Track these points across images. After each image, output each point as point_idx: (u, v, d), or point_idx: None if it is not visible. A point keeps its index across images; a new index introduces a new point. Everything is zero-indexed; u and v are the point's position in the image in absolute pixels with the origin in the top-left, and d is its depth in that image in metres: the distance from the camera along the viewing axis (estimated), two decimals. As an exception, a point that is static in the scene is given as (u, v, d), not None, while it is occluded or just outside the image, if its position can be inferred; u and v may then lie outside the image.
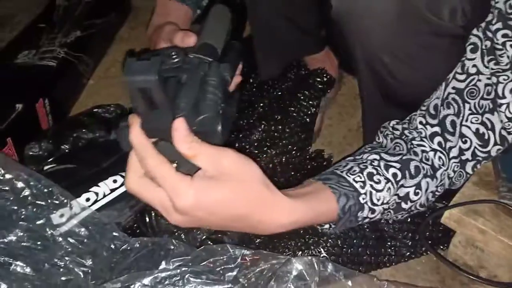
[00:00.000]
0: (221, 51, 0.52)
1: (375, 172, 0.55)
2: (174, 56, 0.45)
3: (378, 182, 0.55)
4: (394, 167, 0.56)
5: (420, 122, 0.60)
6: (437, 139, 0.58)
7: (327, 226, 0.57)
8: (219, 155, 0.45)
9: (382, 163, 0.56)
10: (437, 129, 0.58)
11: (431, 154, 0.58)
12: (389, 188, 0.55)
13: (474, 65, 0.56)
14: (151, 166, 0.44)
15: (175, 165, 0.45)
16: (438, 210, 0.66)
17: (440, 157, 0.58)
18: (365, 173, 0.55)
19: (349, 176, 0.54)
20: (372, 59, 0.67)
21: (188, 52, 0.50)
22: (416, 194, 0.57)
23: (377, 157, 0.57)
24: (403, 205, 0.57)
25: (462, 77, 0.58)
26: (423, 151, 0.58)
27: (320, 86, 0.91)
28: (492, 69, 0.54)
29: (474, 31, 0.58)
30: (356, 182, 0.54)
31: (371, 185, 0.55)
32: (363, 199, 0.54)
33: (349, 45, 0.68)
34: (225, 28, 0.56)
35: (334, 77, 0.95)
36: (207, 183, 0.45)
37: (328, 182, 0.54)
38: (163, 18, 0.72)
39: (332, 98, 1.01)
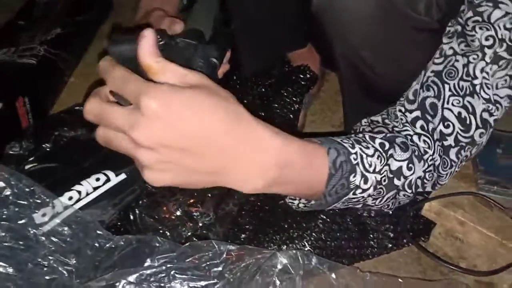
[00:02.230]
0: (209, 38, 0.50)
1: (361, 140, 0.52)
2: (159, 38, 0.43)
3: (367, 148, 0.51)
4: (380, 138, 0.53)
5: (400, 111, 0.58)
6: (419, 122, 0.56)
7: (313, 202, 0.53)
8: (188, 72, 0.40)
9: (366, 135, 0.53)
10: (417, 113, 0.57)
11: (415, 138, 0.56)
12: (379, 156, 0.52)
13: (451, 47, 0.56)
14: (118, 75, 0.39)
15: None
16: (419, 203, 0.68)
17: (425, 141, 0.56)
18: (351, 139, 0.52)
19: (335, 138, 0.51)
20: (352, 54, 0.68)
21: (175, 37, 0.48)
22: (409, 169, 0.54)
23: (359, 134, 0.54)
24: (395, 181, 0.54)
25: (440, 60, 0.57)
26: (407, 136, 0.56)
27: (303, 82, 0.92)
28: (462, 50, 0.55)
29: (450, 23, 0.59)
30: (344, 142, 0.51)
31: (361, 148, 0.51)
32: (354, 159, 0.50)
33: (328, 40, 0.68)
34: (213, 14, 0.55)
35: (316, 73, 0.96)
36: (180, 86, 0.39)
37: (314, 139, 0.50)
38: (150, 2, 0.70)
39: (315, 94, 1.01)
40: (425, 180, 0.56)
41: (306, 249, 0.67)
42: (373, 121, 0.61)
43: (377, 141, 0.53)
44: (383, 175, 0.52)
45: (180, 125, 0.38)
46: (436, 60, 0.58)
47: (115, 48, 0.41)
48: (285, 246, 0.68)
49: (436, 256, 0.65)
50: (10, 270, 0.51)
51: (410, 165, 0.54)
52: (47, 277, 0.53)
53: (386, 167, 0.53)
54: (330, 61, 0.99)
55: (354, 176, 0.50)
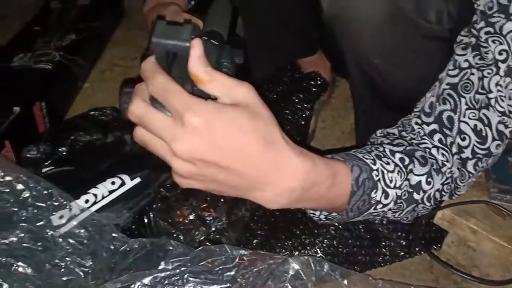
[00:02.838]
0: (225, 42, 0.51)
1: (381, 155, 0.53)
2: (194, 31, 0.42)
3: (388, 164, 0.53)
4: (400, 152, 0.54)
5: (416, 123, 0.59)
6: (437, 136, 0.57)
7: (335, 214, 0.54)
8: (236, 84, 0.41)
9: (386, 149, 0.54)
10: (435, 126, 0.57)
11: (434, 151, 0.57)
12: (399, 172, 0.53)
13: (466, 60, 0.57)
14: (161, 83, 0.40)
15: None
16: (431, 211, 0.68)
17: (443, 154, 0.56)
18: (372, 154, 0.53)
19: (357, 154, 0.52)
20: (363, 61, 0.68)
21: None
22: (428, 183, 0.55)
23: (379, 147, 0.55)
24: (415, 196, 0.55)
25: (455, 72, 0.58)
26: (425, 148, 0.57)
27: (314, 89, 0.92)
28: (476, 63, 0.55)
29: (462, 32, 0.59)
30: (366, 158, 0.52)
31: (381, 164, 0.52)
32: (376, 175, 0.51)
33: (340, 48, 0.69)
34: (228, 19, 0.56)
35: (327, 80, 0.97)
36: (223, 105, 0.41)
37: (336, 156, 0.51)
38: None
39: (326, 101, 1.02)
40: (443, 193, 0.57)
41: (318, 255, 0.67)
42: (389, 133, 0.61)
43: (397, 155, 0.54)
44: (403, 190, 0.54)
45: (220, 144, 0.40)
46: (451, 72, 0.58)
47: (159, 40, 0.40)
48: (296, 252, 0.68)
49: (449, 265, 0.65)
50: (29, 270, 0.52)
51: (429, 179, 0.55)
52: (64, 278, 0.53)
53: (406, 182, 0.54)
54: (341, 68, 1.00)
55: (376, 192, 0.52)
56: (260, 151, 0.42)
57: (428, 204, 0.57)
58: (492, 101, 0.54)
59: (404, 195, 0.54)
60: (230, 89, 0.41)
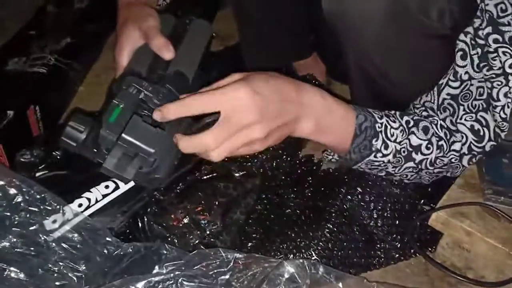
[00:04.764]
0: (193, 77, 0.58)
1: (390, 115, 0.62)
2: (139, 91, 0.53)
3: (394, 122, 0.61)
4: (408, 117, 0.62)
5: (421, 111, 0.65)
6: (444, 130, 0.63)
7: (343, 157, 0.62)
8: (220, 85, 0.53)
9: (397, 113, 0.62)
10: (443, 123, 0.63)
11: (439, 126, 0.63)
12: (402, 130, 0.61)
13: (466, 72, 0.61)
14: (200, 100, 0.51)
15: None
16: (426, 213, 0.68)
17: (444, 141, 0.63)
18: (383, 113, 0.61)
19: (369, 109, 0.61)
20: (363, 59, 0.68)
21: (161, 75, 0.55)
22: (427, 148, 0.61)
23: (392, 111, 0.63)
24: (414, 155, 0.61)
25: (456, 84, 0.62)
26: (432, 121, 0.63)
27: (309, 92, 0.92)
28: (485, 75, 0.57)
29: (462, 37, 0.59)
30: (375, 113, 0.61)
31: (387, 120, 0.60)
32: (379, 127, 0.59)
33: (341, 47, 0.69)
34: (202, 49, 0.59)
35: (322, 82, 0.97)
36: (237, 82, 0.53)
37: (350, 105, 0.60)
38: None
39: (321, 103, 1.02)
40: (438, 162, 0.64)
41: (313, 258, 0.67)
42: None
43: (405, 118, 0.62)
44: (402, 146, 0.61)
45: (266, 94, 0.52)
46: (452, 84, 0.62)
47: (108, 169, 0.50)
48: (291, 255, 0.68)
49: (444, 267, 0.65)
50: (22, 275, 0.52)
51: (429, 145, 0.62)
52: (57, 283, 0.53)
53: (406, 141, 0.61)
54: (336, 71, 1.00)
55: (376, 141, 0.59)
56: (292, 88, 0.55)
57: (431, 168, 0.63)
58: (498, 109, 0.58)
59: (404, 151, 0.61)
60: (223, 90, 0.51)
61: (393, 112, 0.63)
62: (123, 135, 0.49)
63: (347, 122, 0.59)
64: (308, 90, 0.56)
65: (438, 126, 0.63)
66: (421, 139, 0.61)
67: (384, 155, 0.61)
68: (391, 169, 0.63)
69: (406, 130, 0.61)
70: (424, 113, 0.65)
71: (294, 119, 0.55)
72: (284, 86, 0.55)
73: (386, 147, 0.60)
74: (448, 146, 0.63)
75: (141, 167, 0.50)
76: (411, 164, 0.62)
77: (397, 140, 0.60)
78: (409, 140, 0.61)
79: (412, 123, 0.62)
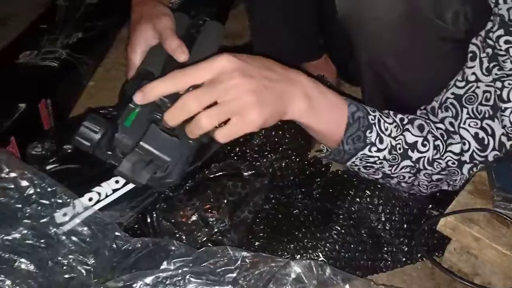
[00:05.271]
0: None
1: (384, 112, 0.60)
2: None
3: (387, 117, 0.59)
4: (402, 115, 0.60)
5: (422, 114, 0.64)
6: (440, 131, 0.61)
7: (327, 150, 0.60)
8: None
9: (391, 112, 0.61)
10: (440, 125, 0.61)
11: (434, 129, 0.61)
12: (396, 126, 0.59)
13: (473, 73, 0.58)
14: (183, 71, 0.50)
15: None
16: (434, 217, 0.68)
17: (438, 145, 0.61)
18: (376, 109, 0.59)
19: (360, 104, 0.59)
20: (376, 61, 0.68)
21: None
22: (424, 145, 0.59)
23: (386, 111, 0.61)
24: (410, 153, 0.59)
25: (462, 84, 0.60)
26: (428, 122, 0.62)
27: (319, 93, 0.92)
28: (496, 74, 0.56)
29: (473, 40, 0.59)
30: (368, 107, 0.58)
31: (380, 115, 0.58)
32: (372, 119, 0.57)
33: (353, 49, 0.69)
34: (215, 51, 0.60)
35: (333, 84, 0.97)
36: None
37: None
38: None
39: (331, 105, 1.02)
40: (434, 164, 0.61)
41: (319, 259, 0.67)
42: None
43: (399, 116, 0.60)
44: (398, 142, 0.58)
45: (253, 62, 0.52)
46: (458, 83, 0.60)
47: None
48: (298, 255, 0.68)
49: (451, 272, 0.65)
50: (31, 267, 0.52)
51: (425, 142, 0.59)
52: (66, 276, 0.54)
53: (401, 137, 0.59)
54: (347, 73, 1.00)
55: (370, 133, 0.57)
56: (280, 65, 0.54)
57: (429, 168, 0.60)
58: (507, 111, 0.55)
59: (399, 148, 0.59)
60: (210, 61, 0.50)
61: (386, 111, 0.61)
62: (141, 143, 0.49)
63: (340, 108, 0.56)
64: (295, 70, 0.55)
65: (434, 126, 0.61)
66: (416, 136, 0.59)
67: (379, 150, 0.58)
68: (387, 168, 0.60)
69: (401, 127, 0.59)
70: (419, 112, 0.64)
71: (284, 91, 0.53)
72: (269, 61, 0.54)
73: (381, 141, 0.57)
74: (444, 147, 0.60)
75: (155, 172, 0.50)
76: (408, 162, 0.60)
77: (392, 135, 0.58)
78: (404, 137, 0.59)
79: (406, 120, 0.60)
